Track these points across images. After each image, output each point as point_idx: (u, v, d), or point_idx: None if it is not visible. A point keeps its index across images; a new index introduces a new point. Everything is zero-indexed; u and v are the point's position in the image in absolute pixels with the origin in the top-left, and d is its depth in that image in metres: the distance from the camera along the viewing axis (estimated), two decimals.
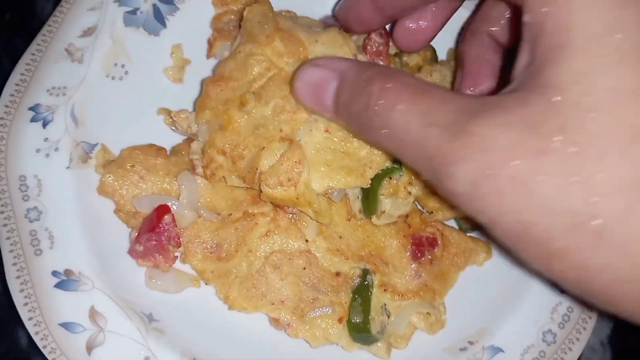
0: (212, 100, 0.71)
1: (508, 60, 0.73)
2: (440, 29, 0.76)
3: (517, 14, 0.52)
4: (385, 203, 0.74)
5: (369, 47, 0.76)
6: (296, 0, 0.83)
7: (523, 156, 0.44)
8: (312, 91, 0.64)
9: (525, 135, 0.44)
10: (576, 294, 0.47)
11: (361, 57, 0.74)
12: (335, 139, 0.70)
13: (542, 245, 0.45)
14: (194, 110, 0.74)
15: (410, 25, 0.74)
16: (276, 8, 0.78)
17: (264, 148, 0.69)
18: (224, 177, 0.73)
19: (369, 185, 0.71)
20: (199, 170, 0.75)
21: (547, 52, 0.46)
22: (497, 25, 0.70)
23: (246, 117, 0.71)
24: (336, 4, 0.84)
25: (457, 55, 0.78)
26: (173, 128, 0.80)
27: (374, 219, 0.76)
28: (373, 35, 0.76)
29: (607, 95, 0.43)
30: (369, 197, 0.74)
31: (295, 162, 0.68)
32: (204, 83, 0.72)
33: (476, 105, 0.48)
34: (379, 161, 0.71)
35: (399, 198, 0.75)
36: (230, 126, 0.71)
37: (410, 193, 0.75)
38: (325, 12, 0.86)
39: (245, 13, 0.75)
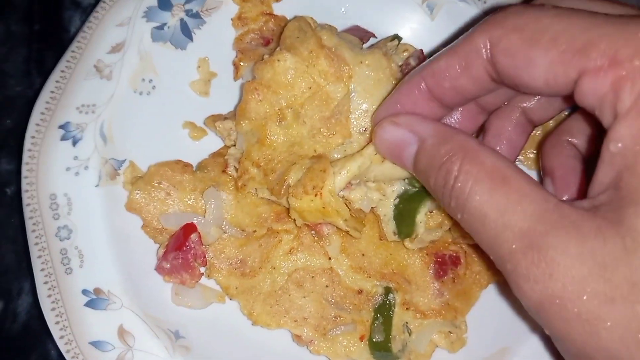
0: (251, 111, 0.72)
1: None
2: (518, 155, 0.73)
3: (597, 128, 0.50)
4: (420, 227, 0.73)
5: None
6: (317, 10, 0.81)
7: (591, 297, 0.44)
8: (392, 150, 0.62)
9: (596, 276, 0.44)
10: None
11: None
12: None
13: None
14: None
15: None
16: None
17: (294, 163, 0.70)
18: (255, 189, 0.74)
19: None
20: (230, 169, 0.76)
21: (634, 192, 0.44)
22: (579, 137, 0.68)
23: (283, 133, 0.72)
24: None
25: (541, 165, 0.75)
26: (214, 130, 0.81)
27: (406, 242, 0.75)
28: (410, 60, 0.74)
29: None
30: (407, 220, 0.73)
31: (321, 170, 0.68)
32: (244, 88, 0.72)
33: (554, 216, 0.47)
34: None
35: (432, 229, 0.75)
36: (267, 141, 0.72)
37: (446, 222, 0.75)
38: (345, 23, 0.84)
39: (284, 30, 0.74)
